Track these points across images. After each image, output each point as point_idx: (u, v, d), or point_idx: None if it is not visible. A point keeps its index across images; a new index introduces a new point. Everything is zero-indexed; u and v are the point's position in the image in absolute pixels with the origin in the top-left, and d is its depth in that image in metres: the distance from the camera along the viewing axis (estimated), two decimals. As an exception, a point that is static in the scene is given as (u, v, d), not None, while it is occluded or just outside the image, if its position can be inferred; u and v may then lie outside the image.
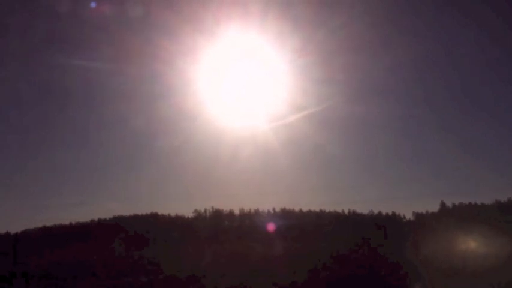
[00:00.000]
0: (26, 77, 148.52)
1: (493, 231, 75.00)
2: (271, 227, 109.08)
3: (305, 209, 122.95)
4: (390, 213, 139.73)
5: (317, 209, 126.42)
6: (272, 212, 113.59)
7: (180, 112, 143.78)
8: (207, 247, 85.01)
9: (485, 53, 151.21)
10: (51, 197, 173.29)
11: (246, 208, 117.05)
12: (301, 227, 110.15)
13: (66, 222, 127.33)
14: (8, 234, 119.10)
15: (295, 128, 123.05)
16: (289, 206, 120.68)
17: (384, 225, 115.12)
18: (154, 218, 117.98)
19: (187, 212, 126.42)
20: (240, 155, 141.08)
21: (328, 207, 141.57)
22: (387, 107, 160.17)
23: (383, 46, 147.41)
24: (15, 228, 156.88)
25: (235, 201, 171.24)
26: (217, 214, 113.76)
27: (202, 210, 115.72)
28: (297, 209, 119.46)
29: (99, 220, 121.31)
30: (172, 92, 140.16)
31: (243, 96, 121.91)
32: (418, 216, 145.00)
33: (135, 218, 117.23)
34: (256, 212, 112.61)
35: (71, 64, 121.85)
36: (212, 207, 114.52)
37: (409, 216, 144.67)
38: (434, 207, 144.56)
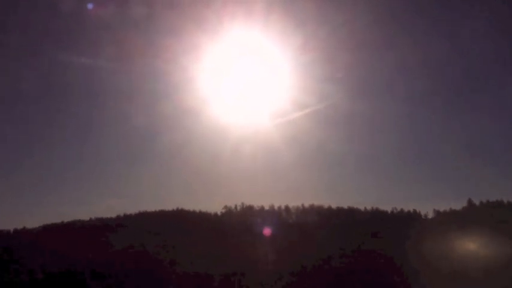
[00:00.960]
0: (30, 74, 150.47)
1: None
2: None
3: (334, 205, 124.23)
4: (411, 210, 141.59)
5: (345, 206, 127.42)
6: (301, 208, 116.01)
7: (183, 110, 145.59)
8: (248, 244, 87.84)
9: (492, 50, 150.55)
10: (48, 194, 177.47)
11: (277, 204, 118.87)
12: (328, 223, 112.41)
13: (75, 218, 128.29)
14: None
15: (298, 126, 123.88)
16: (318, 203, 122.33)
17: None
18: (179, 214, 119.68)
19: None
20: (242, 152, 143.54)
21: (347, 204, 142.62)
22: (390, 105, 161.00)
23: (386, 44, 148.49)
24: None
25: (238, 197, 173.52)
26: (247, 210, 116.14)
27: (233, 206, 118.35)
28: (326, 205, 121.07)
29: (125, 215, 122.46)
30: (175, 90, 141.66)
31: (246, 94, 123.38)
32: (439, 214, 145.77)
33: (161, 214, 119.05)
34: (287, 208, 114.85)
35: (74, 62, 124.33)
36: (242, 203, 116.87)
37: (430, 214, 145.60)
38: (457, 206, 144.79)
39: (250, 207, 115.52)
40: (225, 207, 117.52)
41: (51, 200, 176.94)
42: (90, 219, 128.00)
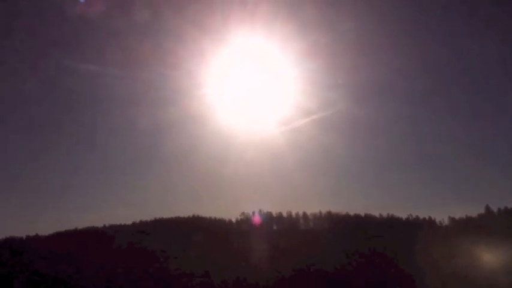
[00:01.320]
0: (35, 79, 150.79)
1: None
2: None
3: (352, 212, 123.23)
4: (427, 217, 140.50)
5: (362, 213, 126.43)
6: (319, 214, 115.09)
7: (188, 116, 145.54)
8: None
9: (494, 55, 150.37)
10: (52, 201, 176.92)
11: (294, 211, 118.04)
12: (344, 229, 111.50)
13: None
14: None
15: (304, 132, 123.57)
16: (330, 209, 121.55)
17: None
18: (195, 220, 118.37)
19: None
20: (248, 159, 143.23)
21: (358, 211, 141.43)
22: (397, 110, 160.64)
23: (392, 50, 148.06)
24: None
25: (244, 204, 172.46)
26: (266, 217, 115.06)
27: (251, 213, 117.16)
28: (343, 212, 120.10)
29: (141, 222, 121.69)
30: (181, 96, 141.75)
31: (251, 101, 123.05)
32: (455, 221, 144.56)
33: (177, 220, 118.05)
34: (305, 215, 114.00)
35: (80, 68, 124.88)
36: (260, 210, 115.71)
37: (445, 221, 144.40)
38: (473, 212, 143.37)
39: (269, 214, 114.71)
40: (242, 214, 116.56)
41: (55, 206, 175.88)
42: (104, 226, 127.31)
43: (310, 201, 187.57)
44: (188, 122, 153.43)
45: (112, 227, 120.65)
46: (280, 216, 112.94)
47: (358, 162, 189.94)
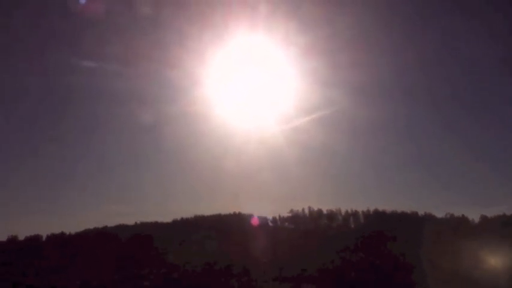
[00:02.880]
0: (35, 77, 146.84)
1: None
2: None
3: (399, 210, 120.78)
4: (461, 215, 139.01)
5: (399, 210, 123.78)
6: (367, 212, 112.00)
7: (188, 115, 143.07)
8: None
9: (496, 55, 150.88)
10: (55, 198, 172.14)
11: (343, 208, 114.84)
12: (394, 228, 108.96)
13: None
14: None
15: (304, 131, 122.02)
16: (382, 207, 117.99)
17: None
18: (237, 218, 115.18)
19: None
20: (248, 158, 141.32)
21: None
22: (396, 110, 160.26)
23: (393, 48, 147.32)
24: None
25: (244, 203, 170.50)
26: (317, 214, 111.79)
27: (300, 210, 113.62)
28: (390, 209, 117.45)
29: (182, 219, 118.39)
30: (181, 95, 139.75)
31: (252, 99, 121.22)
32: (485, 220, 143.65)
33: (218, 218, 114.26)
34: (356, 213, 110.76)
35: (80, 65, 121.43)
36: (309, 207, 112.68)
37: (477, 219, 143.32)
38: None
39: (319, 211, 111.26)
40: (291, 211, 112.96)
41: (52, 204, 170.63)
42: (136, 223, 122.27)
43: (310, 200, 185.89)
44: (188, 120, 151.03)
45: (152, 224, 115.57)
46: (331, 213, 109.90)
47: (358, 160, 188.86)
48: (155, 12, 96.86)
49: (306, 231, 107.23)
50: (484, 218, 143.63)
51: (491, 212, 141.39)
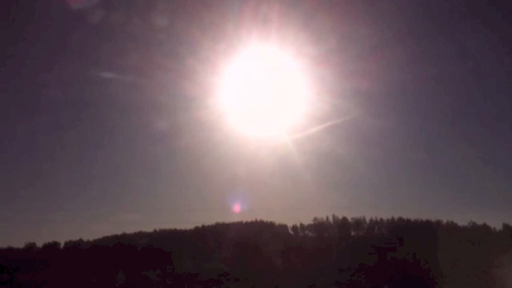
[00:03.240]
0: (48, 87, 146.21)
1: None
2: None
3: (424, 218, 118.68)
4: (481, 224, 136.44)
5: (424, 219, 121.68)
6: (391, 220, 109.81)
7: (200, 124, 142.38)
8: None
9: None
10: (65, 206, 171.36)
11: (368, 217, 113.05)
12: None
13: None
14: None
15: (317, 140, 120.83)
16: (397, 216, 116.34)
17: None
18: (258, 225, 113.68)
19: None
20: (260, 167, 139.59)
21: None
22: (410, 119, 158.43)
23: (407, 59, 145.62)
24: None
25: (256, 212, 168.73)
26: (341, 222, 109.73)
27: (325, 218, 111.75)
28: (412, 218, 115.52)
29: (203, 227, 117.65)
30: (192, 104, 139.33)
31: (264, 108, 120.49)
32: (508, 228, 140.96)
33: (239, 225, 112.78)
34: (381, 221, 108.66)
35: (95, 76, 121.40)
36: (333, 215, 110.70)
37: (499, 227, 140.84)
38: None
39: (344, 220, 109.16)
40: (315, 219, 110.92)
41: (63, 212, 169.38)
42: (155, 230, 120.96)
43: (321, 210, 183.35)
44: (199, 129, 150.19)
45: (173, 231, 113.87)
46: (358, 221, 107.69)
47: (372, 170, 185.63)
48: (169, 23, 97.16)
49: (326, 239, 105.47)
50: (506, 227, 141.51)
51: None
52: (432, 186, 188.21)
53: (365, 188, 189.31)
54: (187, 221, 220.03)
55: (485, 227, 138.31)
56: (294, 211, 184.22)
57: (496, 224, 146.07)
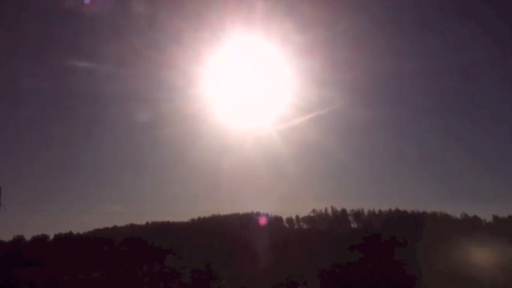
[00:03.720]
0: (33, 78, 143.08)
1: None
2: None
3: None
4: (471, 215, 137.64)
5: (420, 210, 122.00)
6: (389, 211, 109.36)
7: (184, 115, 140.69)
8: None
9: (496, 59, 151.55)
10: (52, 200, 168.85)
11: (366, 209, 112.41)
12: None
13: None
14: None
15: (301, 131, 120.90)
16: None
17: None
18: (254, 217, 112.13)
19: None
20: (244, 158, 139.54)
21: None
22: (393, 110, 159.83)
23: (390, 49, 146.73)
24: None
25: (241, 203, 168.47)
26: (341, 214, 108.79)
27: (323, 210, 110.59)
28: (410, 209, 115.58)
29: (199, 219, 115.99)
30: (176, 95, 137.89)
31: (248, 99, 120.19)
32: (498, 220, 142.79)
33: (236, 217, 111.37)
34: (390, 213, 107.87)
35: (76, 66, 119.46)
36: (332, 207, 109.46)
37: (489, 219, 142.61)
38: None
39: (343, 212, 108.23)
40: (313, 210, 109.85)
41: (50, 206, 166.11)
42: (147, 223, 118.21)
43: (306, 200, 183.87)
44: (184, 120, 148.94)
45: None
46: (358, 213, 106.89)
47: (355, 161, 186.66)
48: (151, 11, 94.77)
49: (321, 231, 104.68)
50: (496, 219, 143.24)
51: (503, 213, 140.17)
52: (418, 178, 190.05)
53: (349, 179, 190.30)
54: (175, 212, 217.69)
55: (476, 218, 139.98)
56: (279, 202, 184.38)
57: (486, 216, 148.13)
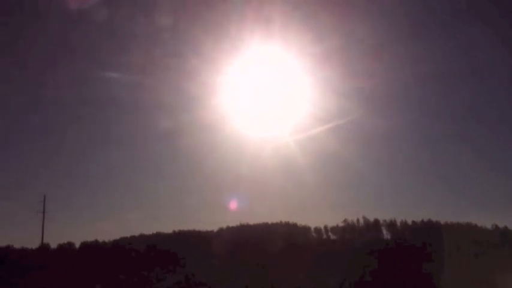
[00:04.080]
0: (50, 86, 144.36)
1: None
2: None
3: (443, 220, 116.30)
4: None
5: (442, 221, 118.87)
6: (420, 223, 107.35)
7: (202, 124, 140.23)
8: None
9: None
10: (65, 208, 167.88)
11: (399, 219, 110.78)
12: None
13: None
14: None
15: (319, 141, 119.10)
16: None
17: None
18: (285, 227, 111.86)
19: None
20: (261, 168, 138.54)
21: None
22: (412, 119, 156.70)
23: (410, 59, 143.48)
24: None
25: (257, 214, 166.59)
26: (374, 224, 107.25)
27: (355, 220, 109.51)
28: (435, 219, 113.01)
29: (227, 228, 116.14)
30: (195, 105, 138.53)
31: (266, 109, 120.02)
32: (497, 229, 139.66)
33: (265, 227, 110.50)
34: (422, 223, 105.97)
35: (94, 75, 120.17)
36: (363, 217, 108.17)
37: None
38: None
39: (376, 222, 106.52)
40: (345, 221, 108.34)
41: (63, 214, 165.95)
42: (173, 231, 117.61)
43: (324, 211, 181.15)
44: (202, 130, 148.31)
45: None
46: (392, 224, 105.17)
47: (374, 170, 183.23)
48: (172, 22, 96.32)
49: (351, 241, 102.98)
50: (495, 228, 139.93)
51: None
52: (437, 188, 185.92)
53: (368, 189, 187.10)
54: (198, 221, 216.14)
55: (506, 229, 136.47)
56: (298, 211, 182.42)
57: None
